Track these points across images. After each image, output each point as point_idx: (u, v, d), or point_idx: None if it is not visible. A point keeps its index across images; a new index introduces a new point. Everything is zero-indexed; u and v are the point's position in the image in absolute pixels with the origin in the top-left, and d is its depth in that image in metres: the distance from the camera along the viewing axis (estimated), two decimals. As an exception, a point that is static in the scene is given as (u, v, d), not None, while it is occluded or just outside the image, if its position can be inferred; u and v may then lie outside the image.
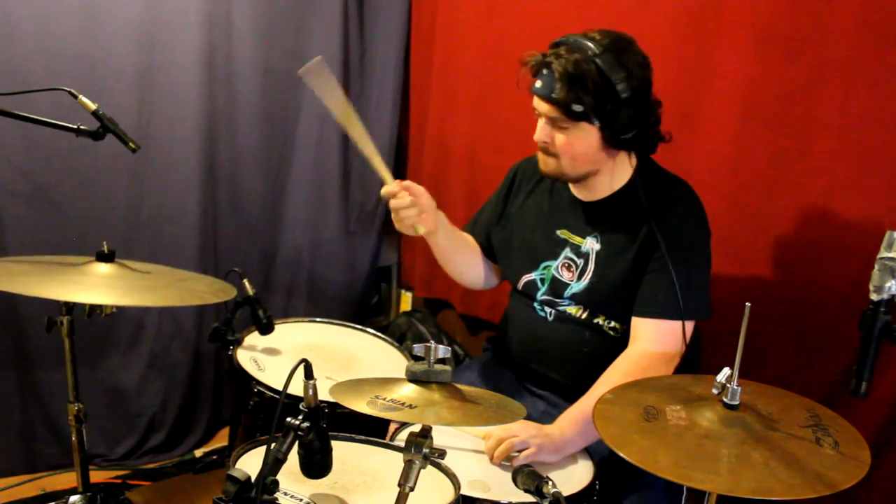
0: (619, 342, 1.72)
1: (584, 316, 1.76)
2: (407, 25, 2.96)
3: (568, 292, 1.76)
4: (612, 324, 1.74)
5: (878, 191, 1.74)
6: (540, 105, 1.64)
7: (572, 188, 1.80)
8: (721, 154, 2.01)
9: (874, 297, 1.12)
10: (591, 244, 1.75)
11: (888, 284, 1.11)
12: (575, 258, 1.76)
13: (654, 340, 1.65)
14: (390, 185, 1.67)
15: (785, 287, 1.87)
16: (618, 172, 1.73)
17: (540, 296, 1.81)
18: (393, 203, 1.68)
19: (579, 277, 1.75)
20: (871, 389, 1.14)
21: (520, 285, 1.84)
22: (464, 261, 1.96)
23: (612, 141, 1.64)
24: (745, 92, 1.93)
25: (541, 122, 1.67)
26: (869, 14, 1.72)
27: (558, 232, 1.80)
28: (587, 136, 1.63)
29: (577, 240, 1.77)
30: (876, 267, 1.12)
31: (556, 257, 1.79)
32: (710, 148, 2.02)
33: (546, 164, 1.72)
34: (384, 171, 1.68)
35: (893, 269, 1.11)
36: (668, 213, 1.68)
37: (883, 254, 1.11)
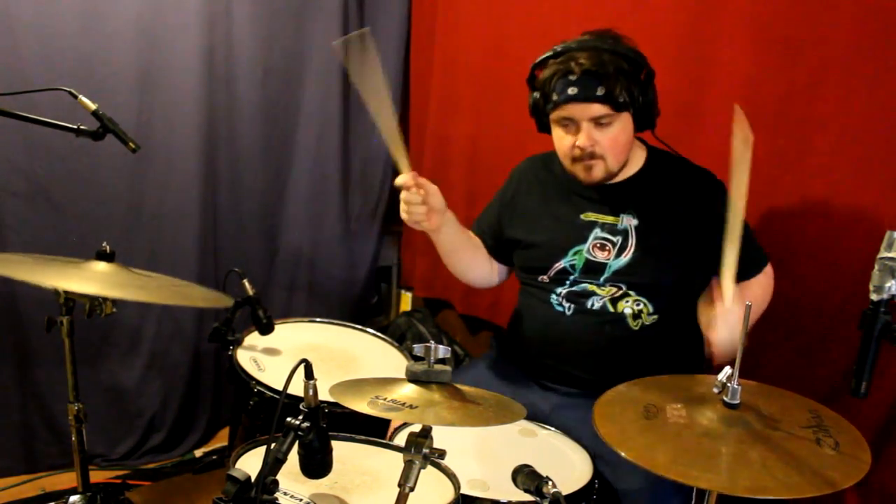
0: (638, 336, 1.73)
1: (609, 303, 1.75)
2: (407, 25, 2.96)
3: (608, 271, 1.76)
4: (640, 307, 1.74)
5: (878, 191, 1.74)
6: (581, 110, 1.65)
7: None
8: (721, 154, 2.00)
9: (874, 297, 1.13)
10: (628, 221, 1.76)
11: (888, 284, 1.11)
12: (610, 237, 1.77)
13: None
14: (406, 178, 1.67)
15: (785, 287, 1.87)
16: (635, 153, 1.79)
17: (571, 280, 1.79)
18: (405, 196, 1.69)
19: (619, 254, 1.75)
20: (871, 389, 1.14)
21: (549, 276, 1.83)
22: (465, 259, 1.96)
23: (643, 122, 1.70)
24: (745, 92, 1.93)
25: (583, 129, 1.67)
26: (869, 14, 1.72)
27: (582, 216, 1.81)
28: (627, 125, 1.68)
29: (609, 219, 1.78)
30: (876, 267, 1.12)
31: (584, 241, 1.79)
32: (710, 148, 2.01)
33: (592, 172, 1.72)
34: (403, 161, 1.66)
35: (893, 269, 1.11)
36: (700, 185, 1.73)
37: (883, 254, 1.12)
